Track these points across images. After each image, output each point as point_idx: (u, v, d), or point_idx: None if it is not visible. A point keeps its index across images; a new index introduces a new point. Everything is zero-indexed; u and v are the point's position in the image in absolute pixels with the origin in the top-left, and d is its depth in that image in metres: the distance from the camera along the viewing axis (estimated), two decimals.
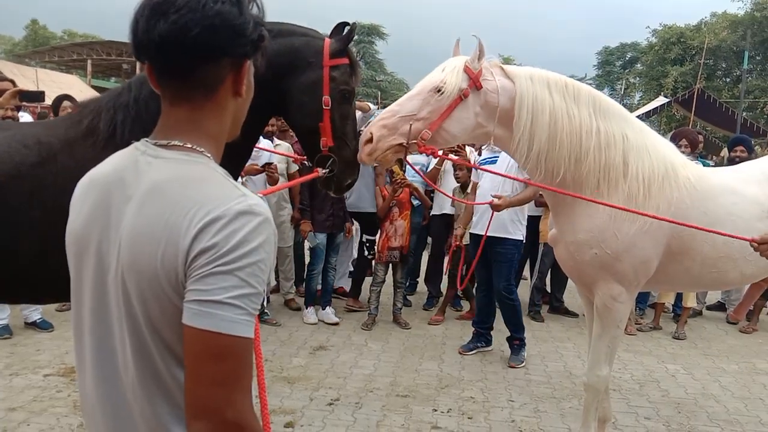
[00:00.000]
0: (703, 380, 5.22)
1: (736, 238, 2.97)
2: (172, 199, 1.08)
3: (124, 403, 1.15)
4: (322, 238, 6.34)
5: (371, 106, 7.29)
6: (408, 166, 4.49)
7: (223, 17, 1.10)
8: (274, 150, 5.67)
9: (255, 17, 1.16)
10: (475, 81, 2.89)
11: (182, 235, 1.04)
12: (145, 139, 1.20)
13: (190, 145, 1.15)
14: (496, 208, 4.88)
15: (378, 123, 2.88)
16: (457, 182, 6.28)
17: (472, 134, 3.05)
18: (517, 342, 5.42)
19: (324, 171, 2.70)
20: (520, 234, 5.37)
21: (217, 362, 1.01)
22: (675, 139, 6.72)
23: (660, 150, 3.15)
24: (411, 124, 2.85)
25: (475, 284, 6.03)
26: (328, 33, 2.76)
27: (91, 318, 1.18)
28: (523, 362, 5.32)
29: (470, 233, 5.68)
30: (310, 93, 2.59)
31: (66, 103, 6.05)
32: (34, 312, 5.54)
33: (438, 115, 2.88)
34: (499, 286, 5.41)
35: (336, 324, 6.18)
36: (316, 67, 2.58)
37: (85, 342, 1.20)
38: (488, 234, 5.09)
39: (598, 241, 3.05)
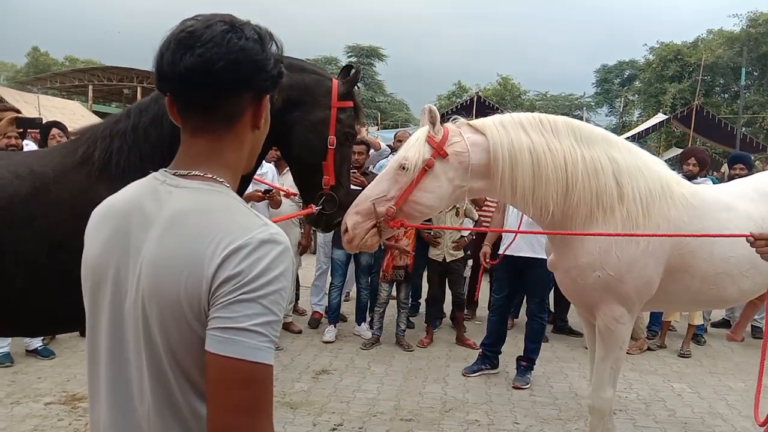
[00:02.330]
0: (709, 399, 5.17)
1: (734, 236, 3.00)
2: (195, 228, 1.10)
3: (137, 431, 1.16)
4: (340, 254, 6.37)
5: (382, 144, 7.35)
6: None
7: (246, 53, 1.15)
8: (268, 183, 5.67)
9: (275, 54, 1.21)
10: (438, 150, 2.89)
11: (206, 263, 1.06)
12: (164, 169, 1.23)
13: (210, 175, 1.18)
14: None
15: (352, 211, 2.91)
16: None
17: (452, 198, 3.06)
18: (525, 363, 5.38)
19: (317, 208, 2.75)
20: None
21: (241, 389, 1.03)
22: (684, 158, 6.73)
23: (653, 168, 3.17)
24: (374, 204, 2.87)
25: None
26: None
27: (107, 346, 1.20)
28: (528, 384, 5.27)
29: (506, 255, 5.55)
30: (317, 131, 2.63)
31: (54, 131, 6.03)
32: (35, 339, 5.50)
33: (404, 189, 2.89)
34: (532, 303, 5.49)
35: (376, 341, 6.30)
36: (324, 106, 2.63)
37: (100, 369, 1.21)
38: (523, 255, 5.10)
39: (601, 263, 3.05)
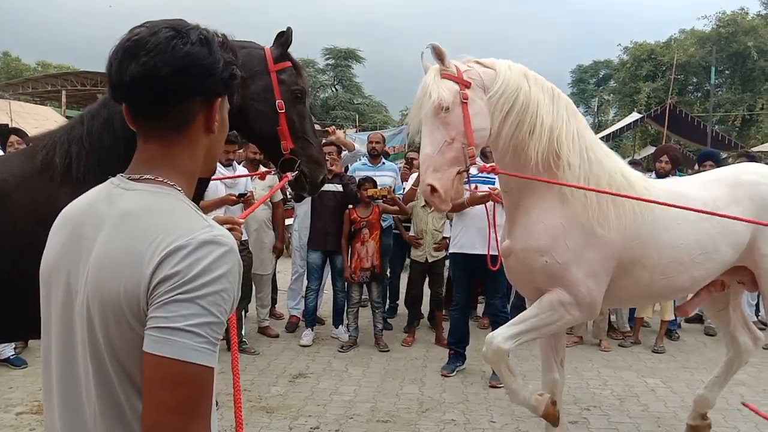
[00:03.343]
0: (682, 393, 5.25)
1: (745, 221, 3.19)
2: (138, 228, 1.10)
3: None
4: (315, 257, 6.36)
5: (356, 145, 7.36)
6: None
7: (192, 58, 1.15)
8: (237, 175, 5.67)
9: (226, 57, 1.21)
10: (460, 80, 2.91)
11: (146, 263, 1.06)
12: (121, 174, 1.23)
13: (161, 179, 1.19)
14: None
15: (427, 172, 2.86)
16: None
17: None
18: None
19: (293, 174, 2.74)
20: None
21: (175, 389, 1.03)
22: (657, 156, 6.86)
23: (615, 159, 3.27)
24: (463, 147, 2.86)
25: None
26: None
27: (57, 348, 1.19)
28: None
29: (451, 253, 5.69)
30: (263, 100, 2.64)
31: (13, 138, 5.96)
32: (7, 348, 5.42)
33: (463, 125, 2.88)
34: (494, 301, 5.53)
35: (353, 343, 6.33)
36: (262, 74, 2.65)
37: (52, 372, 1.21)
38: (480, 253, 5.06)
39: (550, 249, 3.06)
